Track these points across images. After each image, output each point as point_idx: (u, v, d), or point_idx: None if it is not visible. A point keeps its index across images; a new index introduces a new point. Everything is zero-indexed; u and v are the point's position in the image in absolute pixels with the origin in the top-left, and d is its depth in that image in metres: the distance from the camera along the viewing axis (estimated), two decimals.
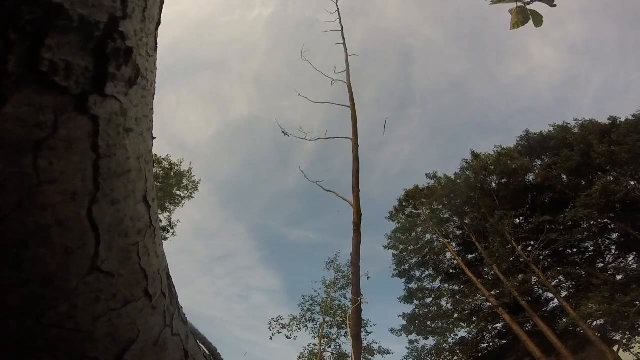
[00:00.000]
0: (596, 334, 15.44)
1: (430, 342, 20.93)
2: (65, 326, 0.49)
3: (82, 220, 0.41)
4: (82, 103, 0.38)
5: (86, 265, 0.44)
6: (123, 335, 0.61)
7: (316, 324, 19.69)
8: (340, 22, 10.86)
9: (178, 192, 19.66)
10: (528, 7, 2.21)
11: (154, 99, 0.62)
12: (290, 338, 19.36)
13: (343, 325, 19.01)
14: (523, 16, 2.23)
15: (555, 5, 2.14)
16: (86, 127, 0.38)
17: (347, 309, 19.39)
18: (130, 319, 0.62)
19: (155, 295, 0.71)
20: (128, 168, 0.46)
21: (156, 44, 0.53)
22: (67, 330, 0.50)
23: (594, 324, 16.35)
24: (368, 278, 21.20)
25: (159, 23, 0.54)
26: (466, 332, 20.82)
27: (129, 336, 0.63)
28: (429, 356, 20.69)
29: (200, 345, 1.07)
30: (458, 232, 23.65)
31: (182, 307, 0.89)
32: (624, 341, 15.83)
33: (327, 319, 19.50)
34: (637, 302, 14.75)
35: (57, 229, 0.40)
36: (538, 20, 2.23)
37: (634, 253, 18.62)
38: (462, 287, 20.97)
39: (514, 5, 2.23)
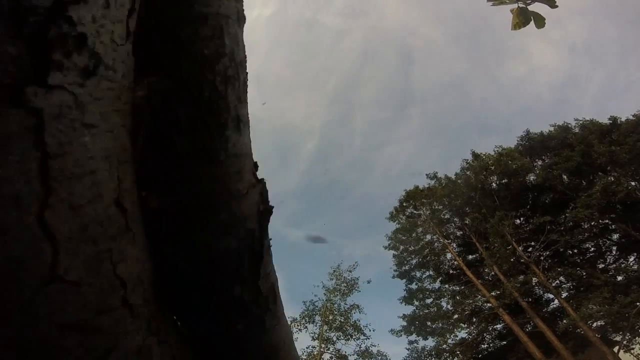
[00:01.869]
0: (596, 335, 15.41)
1: (430, 342, 20.93)
2: (26, 336, 0.46)
3: (31, 228, 0.36)
4: (16, 95, 0.34)
5: (43, 274, 0.40)
6: (98, 345, 0.58)
7: (316, 326, 19.66)
8: None
9: None
10: (529, 7, 2.18)
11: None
12: None
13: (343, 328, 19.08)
14: (524, 17, 2.20)
15: (557, 6, 2.10)
16: (24, 122, 0.34)
17: (347, 313, 19.54)
18: (104, 329, 0.58)
19: (137, 302, 0.67)
20: (91, 169, 0.42)
21: (129, 32, 0.49)
22: (30, 341, 0.47)
23: (595, 325, 16.33)
24: (369, 282, 21.45)
25: (132, 10, 0.49)
26: (466, 333, 20.79)
27: (106, 345, 0.60)
28: (429, 357, 20.66)
29: None
30: (458, 233, 23.60)
31: None
32: (625, 342, 15.79)
33: (326, 320, 19.47)
34: (638, 303, 14.71)
35: None
36: (540, 21, 2.20)
37: (635, 254, 18.58)
38: (462, 287, 20.92)
39: (514, 5, 2.20)
